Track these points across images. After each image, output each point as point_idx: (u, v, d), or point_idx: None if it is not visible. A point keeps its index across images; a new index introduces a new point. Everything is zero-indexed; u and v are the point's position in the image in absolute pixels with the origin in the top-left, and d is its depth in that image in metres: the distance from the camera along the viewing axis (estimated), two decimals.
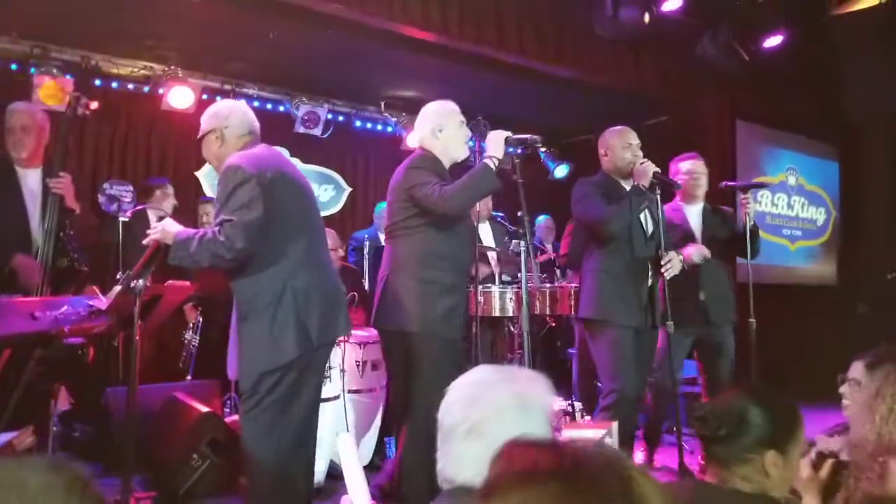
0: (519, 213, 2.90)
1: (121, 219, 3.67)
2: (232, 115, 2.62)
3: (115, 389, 3.81)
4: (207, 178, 5.75)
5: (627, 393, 3.31)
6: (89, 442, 3.91)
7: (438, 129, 2.96)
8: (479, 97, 2.97)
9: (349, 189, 6.50)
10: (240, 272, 2.44)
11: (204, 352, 4.29)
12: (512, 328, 4.39)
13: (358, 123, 6.33)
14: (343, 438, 1.81)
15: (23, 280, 3.14)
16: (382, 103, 6.22)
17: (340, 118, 6.19)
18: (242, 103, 2.79)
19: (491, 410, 1.28)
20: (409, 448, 2.78)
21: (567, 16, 5.21)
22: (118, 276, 2.64)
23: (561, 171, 6.04)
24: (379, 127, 6.44)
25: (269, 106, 5.81)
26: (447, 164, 2.99)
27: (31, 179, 3.38)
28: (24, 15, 4.46)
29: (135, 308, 2.67)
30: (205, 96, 5.36)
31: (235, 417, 3.99)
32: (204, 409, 3.48)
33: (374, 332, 4.11)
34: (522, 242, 2.93)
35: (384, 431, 4.01)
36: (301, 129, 5.69)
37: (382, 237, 5.71)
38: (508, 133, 2.89)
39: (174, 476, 3.32)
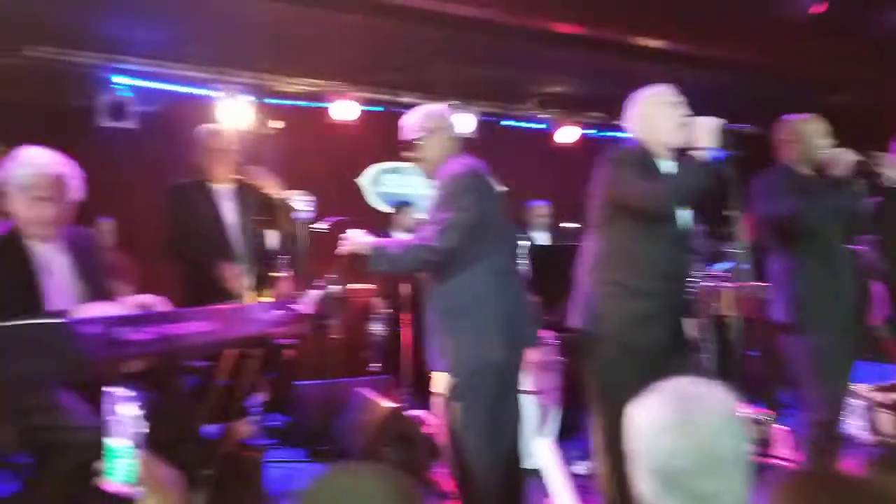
0: (726, 213, 2.74)
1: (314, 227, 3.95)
2: (447, 118, 2.72)
3: (305, 384, 4.13)
4: (369, 184, 6.07)
5: (831, 405, 3.05)
6: (287, 430, 4.26)
7: (643, 118, 2.70)
8: (635, 88, 2.83)
9: (503, 189, 6.56)
10: (451, 271, 2.53)
11: (387, 345, 4.52)
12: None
13: (509, 123, 6.40)
14: (541, 445, 1.83)
15: (228, 286, 3.49)
16: (533, 101, 6.25)
17: (490, 118, 6.30)
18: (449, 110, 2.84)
19: (713, 439, 1.18)
20: (597, 458, 2.72)
21: None
22: (317, 282, 2.84)
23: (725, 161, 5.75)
24: (527, 125, 6.47)
25: None
26: (661, 154, 2.68)
27: (225, 194, 3.74)
28: (205, 43, 4.94)
29: (329, 309, 2.93)
30: (364, 108, 5.66)
31: (413, 413, 4.20)
32: (390, 404, 3.68)
33: (549, 333, 4.19)
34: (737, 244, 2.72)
35: (561, 434, 4.01)
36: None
37: (536, 235, 5.80)
38: (724, 121, 2.57)
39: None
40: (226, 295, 3.45)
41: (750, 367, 4.75)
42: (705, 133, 2.55)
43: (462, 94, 6.02)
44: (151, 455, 1.03)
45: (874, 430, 4.32)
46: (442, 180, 2.58)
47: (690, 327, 2.69)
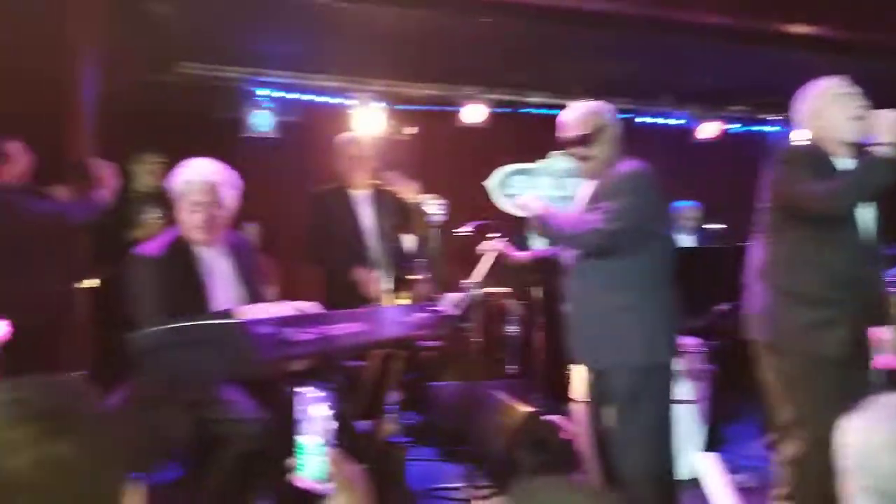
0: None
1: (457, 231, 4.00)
2: (613, 115, 2.67)
3: (439, 384, 4.16)
4: (496, 187, 6.04)
5: None
6: (421, 429, 4.32)
7: (815, 113, 2.51)
8: (783, 79, 2.62)
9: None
10: (621, 268, 2.49)
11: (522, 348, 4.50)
12: None
13: (645, 119, 6.18)
14: (703, 458, 1.74)
15: (363, 290, 3.59)
16: (670, 97, 6.01)
17: (623, 116, 6.09)
18: None
19: None
20: (795, 473, 2.52)
21: None
22: (458, 285, 2.85)
23: None
24: (662, 121, 6.22)
25: (550, 112, 5.94)
26: (836, 151, 2.48)
27: (363, 200, 3.85)
28: (339, 54, 5.12)
29: (469, 312, 2.93)
30: (491, 110, 5.66)
31: (551, 417, 4.14)
32: (526, 408, 3.64)
33: (695, 340, 4.00)
34: None
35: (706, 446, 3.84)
36: None
37: (684, 238, 5.54)
38: None
39: (502, 470, 3.52)
40: (363, 299, 3.55)
41: None
42: (886, 126, 2.33)
43: (592, 91, 5.86)
44: (341, 453, 1.05)
45: None
46: (618, 175, 2.51)
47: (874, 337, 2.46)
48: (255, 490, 2.29)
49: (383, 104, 5.31)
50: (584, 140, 2.58)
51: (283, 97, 5.27)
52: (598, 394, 2.60)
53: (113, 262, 3.01)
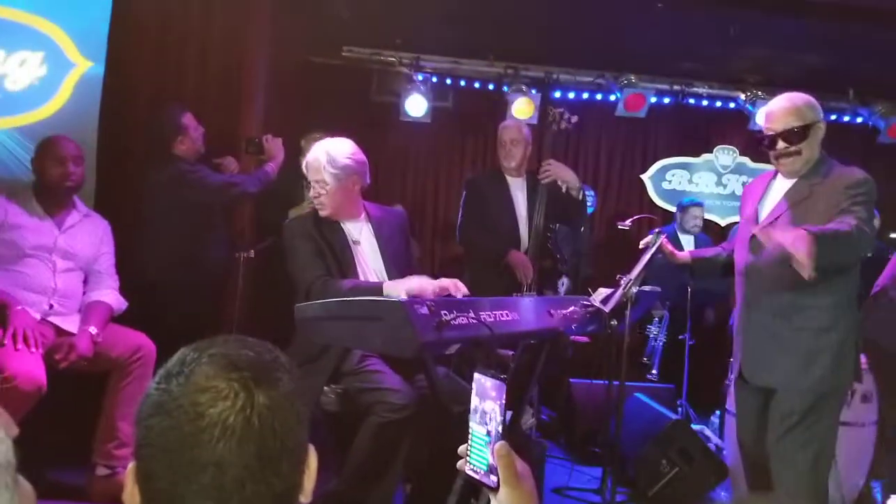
0: None
1: (619, 225, 3.89)
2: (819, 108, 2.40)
3: (580, 382, 4.05)
4: (653, 181, 5.79)
5: None
6: (553, 426, 4.25)
7: None
8: None
9: None
10: (827, 282, 2.24)
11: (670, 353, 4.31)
12: None
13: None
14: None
15: (518, 275, 3.54)
16: (853, 92, 5.44)
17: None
18: None
19: None
20: None
21: None
22: (618, 278, 2.73)
23: None
24: (845, 119, 5.65)
25: (718, 104, 5.59)
26: None
27: (518, 187, 3.81)
28: (498, 41, 5.08)
29: (626, 311, 2.79)
30: (654, 98, 5.39)
31: (697, 427, 3.92)
32: (675, 416, 3.47)
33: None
34: None
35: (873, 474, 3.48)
36: (756, 127, 5.31)
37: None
38: None
39: (642, 477, 3.38)
40: (512, 285, 3.51)
41: None
42: None
43: (764, 83, 5.44)
44: (508, 446, 1.01)
45: None
46: (852, 180, 2.27)
47: None
48: (398, 462, 2.32)
49: (538, 92, 5.20)
50: (798, 134, 2.32)
51: (440, 82, 5.30)
52: (764, 411, 2.40)
53: (274, 235, 3.16)
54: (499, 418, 1.04)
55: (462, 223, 3.84)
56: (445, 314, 1.81)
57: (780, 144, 2.34)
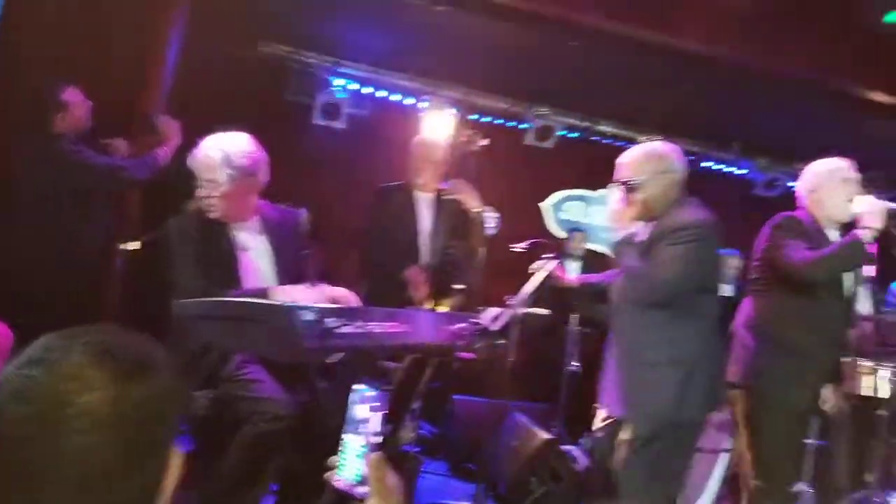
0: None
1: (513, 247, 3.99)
2: (673, 159, 2.60)
3: (461, 397, 4.13)
4: (552, 210, 6.01)
5: None
6: (433, 441, 4.30)
7: (815, 188, 2.81)
8: (850, 141, 2.83)
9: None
10: (670, 322, 2.46)
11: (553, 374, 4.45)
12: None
13: (708, 164, 6.07)
14: None
15: (412, 290, 3.59)
16: (737, 145, 5.89)
17: (691, 157, 5.98)
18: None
19: None
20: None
21: None
22: (506, 299, 2.83)
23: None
24: (725, 168, 6.10)
25: (619, 143, 5.88)
26: (827, 227, 2.78)
27: (425, 203, 3.86)
28: (419, 54, 5.15)
29: (509, 329, 2.90)
30: (564, 132, 5.62)
31: (568, 448, 4.08)
32: (546, 435, 3.60)
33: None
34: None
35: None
36: None
37: (723, 287, 5.44)
38: (892, 205, 2.60)
39: (514, 494, 3.48)
40: (408, 299, 3.56)
41: None
42: (871, 213, 2.56)
43: (664, 128, 5.78)
44: (382, 457, 1.03)
45: None
46: (679, 222, 2.46)
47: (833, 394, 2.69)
48: (268, 473, 2.29)
49: (455, 111, 5.30)
50: (630, 187, 2.56)
51: (358, 90, 5.30)
52: (615, 437, 2.57)
53: (158, 228, 3.02)
54: (376, 430, 1.06)
55: (366, 233, 3.85)
56: (331, 321, 1.81)
57: (626, 193, 2.58)
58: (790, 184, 6.10)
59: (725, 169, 6.12)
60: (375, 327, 2.07)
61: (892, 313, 3.32)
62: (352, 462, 1.07)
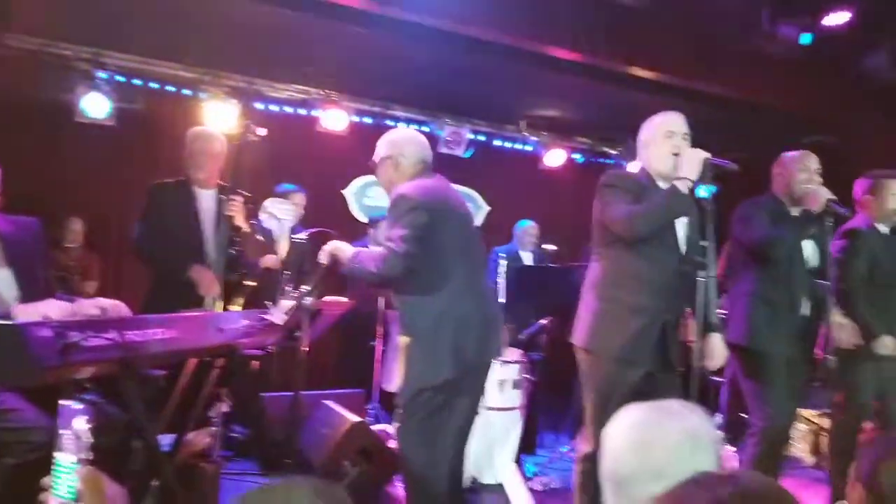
0: (701, 242, 2.71)
1: (293, 238, 3.91)
2: (408, 144, 2.74)
3: (272, 395, 4.05)
4: (355, 196, 6.03)
5: (776, 426, 3.16)
6: (246, 442, 4.18)
7: (644, 144, 2.81)
8: (624, 116, 2.90)
9: (488, 208, 6.58)
10: (406, 294, 2.58)
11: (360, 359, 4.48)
12: None
13: (498, 143, 6.41)
14: (508, 467, 1.85)
15: (201, 290, 3.42)
16: (523, 123, 6.27)
17: (481, 138, 6.30)
18: (418, 134, 2.87)
19: (668, 453, 1.26)
20: (584, 470, 2.76)
21: (721, 34, 5.04)
22: (288, 292, 2.79)
23: (704, 192, 5.86)
24: (518, 146, 6.49)
25: (413, 127, 6.02)
26: (658, 181, 2.74)
27: (206, 199, 3.67)
28: (196, 44, 4.89)
29: (304, 322, 2.87)
30: (355, 118, 5.64)
31: (379, 427, 4.16)
32: (354, 418, 3.63)
33: (516, 351, 4.19)
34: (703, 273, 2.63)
35: (522, 450, 4.07)
36: (444, 150, 5.83)
37: (524, 254, 5.82)
38: (708, 155, 2.61)
39: (327, 480, 3.48)
40: (195, 300, 3.39)
41: (712, 390, 4.84)
42: (689, 164, 2.61)
43: (453, 111, 6.02)
44: (97, 470, 0.99)
45: (817, 453, 4.49)
46: (392, 201, 2.59)
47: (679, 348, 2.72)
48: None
49: (237, 101, 5.11)
50: (375, 164, 2.75)
51: (126, 82, 4.93)
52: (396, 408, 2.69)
53: None
54: (85, 443, 1.02)
55: (140, 234, 3.58)
56: (75, 335, 1.69)
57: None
58: (576, 156, 6.65)
59: (514, 146, 6.49)
60: (136, 336, 1.96)
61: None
62: (66, 479, 1.02)
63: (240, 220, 3.54)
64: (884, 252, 3.51)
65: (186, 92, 5.19)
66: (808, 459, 4.61)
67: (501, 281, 4.97)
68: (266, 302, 2.88)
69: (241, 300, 3.51)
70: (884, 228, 3.59)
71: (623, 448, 1.31)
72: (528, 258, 5.83)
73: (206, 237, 3.58)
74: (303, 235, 3.16)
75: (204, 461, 2.93)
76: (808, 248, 3.28)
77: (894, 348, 3.38)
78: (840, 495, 3.31)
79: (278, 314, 2.74)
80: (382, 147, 2.77)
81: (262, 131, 3.70)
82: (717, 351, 2.77)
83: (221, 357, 2.54)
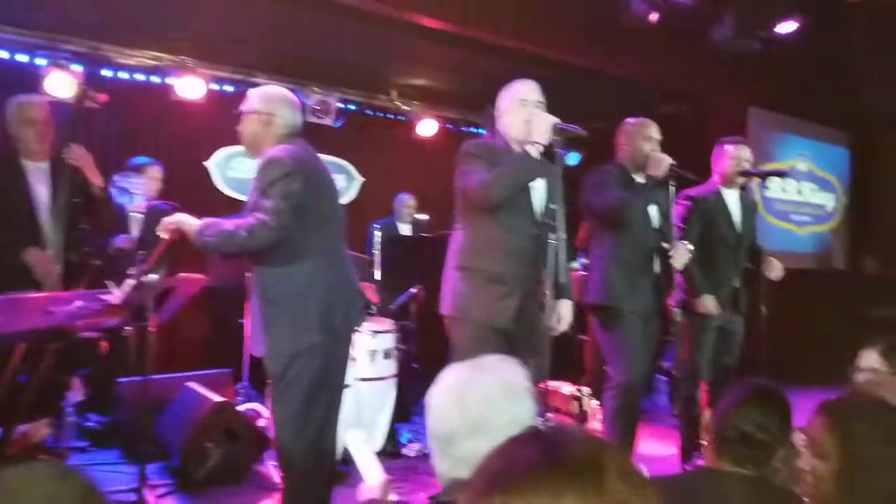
0: (552, 206, 2.79)
1: (133, 214, 3.68)
2: (285, 105, 2.65)
3: (127, 380, 3.84)
4: (218, 168, 5.76)
5: (633, 379, 3.35)
6: (103, 431, 3.96)
7: (501, 111, 2.86)
8: (493, 85, 2.96)
9: (362, 179, 6.48)
10: (268, 260, 2.50)
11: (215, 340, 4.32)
12: None
13: (371, 112, 6.31)
14: (351, 435, 1.86)
15: (38, 274, 3.17)
16: (394, 92, 6.20)
17: (352, 107, 6.16)
18: (294, 96, 2.75)
19: (483, 405, 1.30)
20: None
21: (584, 5, 5.18)
22: (131, 270, 2.63)
23: (571, 159, 6.07)
24: (391, 116, 6.41)
25: None
26: (516, 147, 2.77)
27: (38, 173, 3.38)
28: (32, 5, 4.46)
29: (148, 301, 2.72)
30: (214, 86, 5.36)
31: (249, 406, 4.05)
32: (218, 398, 3.52)
33: (387, 321, 4.19)
34: (554, 235, 2.71)
35: (397, 418, 4.11)
36: (312, 119, 5.66)
37: (402, 226, 5.81)
38: (557, 120, 2.67)
39: (190, 463, 3.37)
40: (32, 283, 3.14)
41: (578, 349, 5.08)
42: (538, 129, 2.68)
43: (322, 78, 5.84)
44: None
45: (675, 404, 4.77)
46: (260, 165, 2.51)
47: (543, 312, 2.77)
48: None
49: (81, 67, 4.72)
50: (241, 117, 2.65)
51: None
52: (269, 377, 2.63)
53: None
54: None
55: None
56: None
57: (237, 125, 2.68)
58: (449, 126, 6.67)
59: (387, 116, 6.41)
60: None
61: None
62: None
63: (90, 173, 3.30)
64: (717, 215, 3.79)
65: (23, 58, 4.74)
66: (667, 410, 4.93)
67: (377, 252, 4.95)
68: (106, 281, 2.70)
69: (84, 281, 3.28)
70: (729, 193, 3.86)
71: (442, 406, 1.34)
72: (406, 230, 5.86)
73: (39, 215, 3.32)
74: (139, 209, 2.98)
75: (44, 453, 2.75)
76: (652, 211, 3.48)
77: (714, 308, 3.66)
78: (691, 444, 3.57)
79: (116, 293, 2.58)
80: (256, 100, 2.64)
81: (103, 97, 3.46)
82: (564, 316, 2.91)
83: (52, 342, 2.36)
